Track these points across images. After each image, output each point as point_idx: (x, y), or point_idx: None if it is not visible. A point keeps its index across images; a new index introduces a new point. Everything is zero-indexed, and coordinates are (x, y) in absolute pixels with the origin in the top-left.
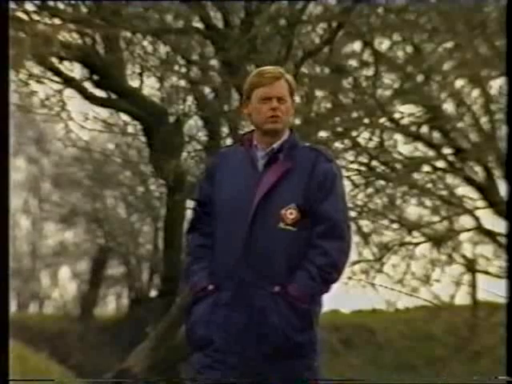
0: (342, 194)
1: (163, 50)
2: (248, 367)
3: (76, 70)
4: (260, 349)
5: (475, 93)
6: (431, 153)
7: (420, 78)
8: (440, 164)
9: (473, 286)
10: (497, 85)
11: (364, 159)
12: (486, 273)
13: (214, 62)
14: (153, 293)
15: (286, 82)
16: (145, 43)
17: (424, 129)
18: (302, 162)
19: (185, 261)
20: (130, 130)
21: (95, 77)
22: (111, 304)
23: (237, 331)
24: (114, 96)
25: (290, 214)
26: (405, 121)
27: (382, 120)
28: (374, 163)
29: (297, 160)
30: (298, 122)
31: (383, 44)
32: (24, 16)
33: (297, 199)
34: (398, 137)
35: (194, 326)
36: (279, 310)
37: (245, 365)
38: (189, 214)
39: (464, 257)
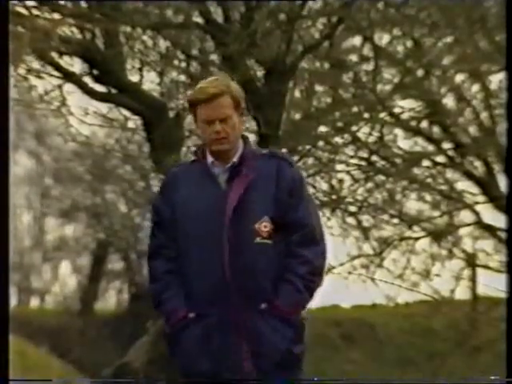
0: (309, 196)
1: (163, 44)
2: None
3: (76, 65)
4: (261, 367)
5: (475, 87)
6: (431, 147)
7: (420, 72)
8: (440, 159)
9: (473, 280)
10: (497, 79)
11: (364, 154)
12: (486, 267)
13: (213, 57)
14: None
15: (229, 96)
16: (145, 38)
17: (424, 123)
18: (265, 171)
19: (152, 288)
20: (130, 124)
21: (95, 71)
22: (111, 299)
23: (235, 356)
24: (113, 91)
25: (265, 227)
26: (405, 115)
27: (382, 115)
28: (374, 158)
29: (260, 169)
30: (298, 116)
31: (383, 39)
32: (24, 11)
33: (268, 211)
34: (398, 131)
35: (190, 359)
36: (272, 327)
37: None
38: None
39: (464, 251)
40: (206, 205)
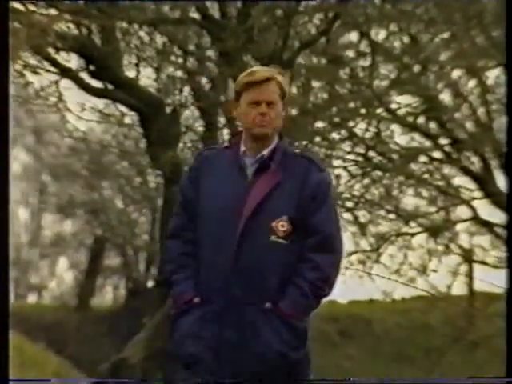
0: (333, 205)
1: (160, 40)
2: None
3: (72, 61)
4: (254, 368)
5: (472, 83)
6: (428, 143)
7: (417, 68)
8: (437, 154)
9: (469, 276)
10: (493, 75)
11: (361, 150)
12: (483, 263)
13: (210, 53)
14: (150, 283)
15: (277, 84)
16: (141, 34)
17: (421, 119)
18: (293, 172)
19: (165, 268)
20: (126, 120)
21: (92, 67)
22: (108, 294)
23: (228, 349)
24: (110, 86)
25: (282, 226)
26: (401, 111)
27: (379, 110)
28: (371, 154)
29: (289, 169)
30: (294, 112)
31: (380, 34)
32: (20, 6)
33: (288, 211)
34: (395, 127)
35: (181, 342)
36: (273, 328)
37: None
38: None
39: (461, 247)
40: (230, 193)
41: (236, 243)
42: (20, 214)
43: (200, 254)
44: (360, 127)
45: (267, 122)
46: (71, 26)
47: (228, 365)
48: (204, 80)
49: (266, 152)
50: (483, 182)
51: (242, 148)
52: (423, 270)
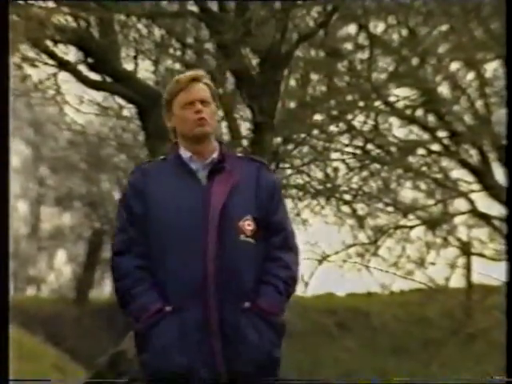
0: (285, 204)
1: (158, 33)
2: None
3: (71, 54)
4: (243, 369)
5: (470, 76)
6: (426, 136)
7: (415, 61)
8: (435, 147)
9: (468, 268)
10: (492, 68)
11: (359, 142)
12: (481, 256)
13: (208, 46)
14: None
15: (205, 85)
16: (139, 26)
17: (419, 112)
18: (246, 173)
19: (119, 285)
20: (125, 113)
21: (90, 60)
22: (107, 287)
23: (216, 354)
24: (108, 79)
25: (248, 225)
26: (400, 104)
27: (377, 103)
28: (369, 146)
29: (241, 170)
30: (293, 105)
31: (378, 27)
32: None
33: (250, 210)
34: (393, 120)
35: (164, 353)
36: (255, 327)
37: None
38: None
39: (459, 240)
40: (186, 200)
41: (208, 247)
42: (18, 207)
43: (163, 267)
44: (358, 120)
45: (205, 120)
46: (69, 18)
47: (217, 370)
48: None
49: (215, 155)
50: (481, 174)
51: (187, 154)
52: (421, 263)
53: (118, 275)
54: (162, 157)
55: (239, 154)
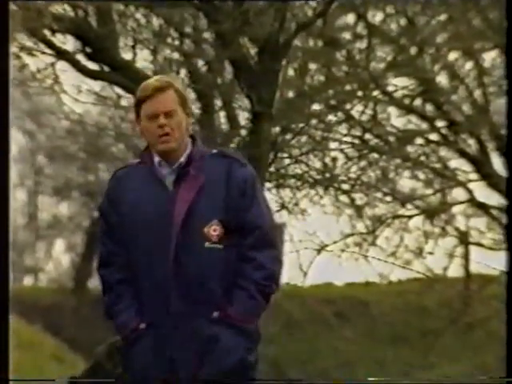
0: (263, 197)
1: (156, 22)
2: None
3: (69, 43)
4: (215, 377)
5: (468, 65)
6: (424, 126)
7: (413, 50)
8: (433, 137)
9: (466, 258)
10: (490, 57)
11: (357, 132)
12: (479, 245)
13: (207, 35)
14: None
15: (174, 92)
16: (138, 16)
17: (417, 101)
18: (215, 173)
19: (104, 299)
20: (123, 102)
21: (88, 49)
22: None
23: (187, 369)
24: (106, 69)
25: (214, 230)
26: (398, 94)
27: (376, 93)
28: (368, 136)
29: (209, 171)
30: (291, 94)
31: (376, 16)
32: None
33: (218, 214)
34: (392, 110)
35: (140, 370)
36: (226, 336)
37: None
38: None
39: (457, 229)
40: (152, 208)
41: (171, 257)
42: (16, 197)
43: (137, 278)
44: (356, 109)
45: (168, 135)
46: (67, 7)
47: (192, 378)
48: (200, 62)
49: (182, 159)
50: (480, 164)
51: (157, 159)
52: (419, 253)
53: (103, 289)
54: (137, 160)
55: (213, 151)
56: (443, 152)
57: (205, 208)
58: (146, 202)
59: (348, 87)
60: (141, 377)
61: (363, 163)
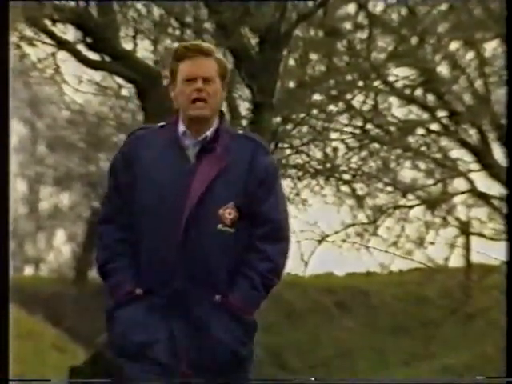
0: (281, 191)
1: (157, 12)
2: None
3: (69, 33)
4: (203, 363)
5: (469, 55)
6: (425, 116)
7: (414, 40)
8: (434, 127)
9: (467, 248)
10: (491, 47)
11: (358, 122)
12: (480, 235)
13: (207, 25)
14: None
15: (215, 61)
16: (138, 6)
17: (418, 92)
18: (239, 155)
19: (99, 256)
20: (123, 92)
21: (89, 39)
22: None
23: (176, 343)
24: (107, 59)
25: (229, 213)
26: (399, 84)
27: (377, 83)
28: (369, 126)
29: (234, 152)
30: (292, 84)
31: (377, 6)
32: None
33: (235, 197)
34: (393, 100)
35: (126, 332)
36: (222, 322)
37: (183, 378)
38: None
39: (458, 219)
40: (169, 176)
41: (181, 232)
42: (17, 186)
43: (140, 241)
44: (357, 100)
45: (204, 101)
46: None
47: (176, 359)
48: None
49: (209, 133)
50: (481, 154)
51: (182, 128)
52: (420, 243)
53: (100, 245)
54: (161, 124)
55: (238, 132)
56: (444, 142)
57: (224, 189)
58: (163, 167)
59: (349, 77)
60: (124, 338)
61: (364, 153)
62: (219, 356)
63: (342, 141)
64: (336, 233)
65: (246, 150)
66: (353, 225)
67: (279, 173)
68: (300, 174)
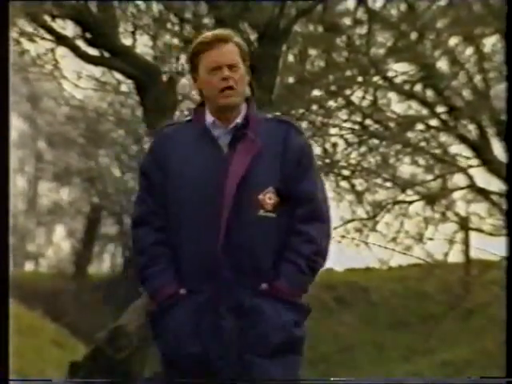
0: (316, 169)
1: (156, 8)
2: (246, 370)
3: (68, 28)
4: (258, 350)
5: (469, 51)
6: (425, 111)
7: (414, 36)
8: (433, 122)
9: (466, 243)
10: (490, 43)
11: (357, 118)
12: (480, 231)
13: (207, 21)
14: None
15: (235, 45)
16: (138, 1)
17: (417, 87)
18: (272, 138)
19: (137, 261)
20: (123, 88)
21: (88, 35)
22: (105, 262)
23: (231, 339)
24: (106, 54)
25: (269, 198)
26: (398, 79)
27: (376, 78)
28: (368, 122)
29: (266, 135)
30: (291, 80)
31: (377, 2)
32: None
33: (273, 181)
34: (392, 95)
35: (177, 341)
36: (273, 309)
37: (244, 368)
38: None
39: (457, 215)
40: (204, 169)
41: (224, 223)
42: (17, 182)
43: (178, 241)
44: (357, 95)
45: (232, 89)
46: None
47: (232, 356)
48: None
49: (239, 120)
50: (480, 149)
51: (210, 119)
52: (420, 238)
53: (136, 250)
54: (187, 118)
55: (267, 115)
56: (443, 138)
57: (261, 174)
58: (197, 162)
59: (348, 73)
60: (176, 345)
61: (363, 149)
62: (274, 338)
63: (342, 136)
64: (335, 228)
65: (278, 133)
66: (352, 220)
67: (313, 152)
68: None
